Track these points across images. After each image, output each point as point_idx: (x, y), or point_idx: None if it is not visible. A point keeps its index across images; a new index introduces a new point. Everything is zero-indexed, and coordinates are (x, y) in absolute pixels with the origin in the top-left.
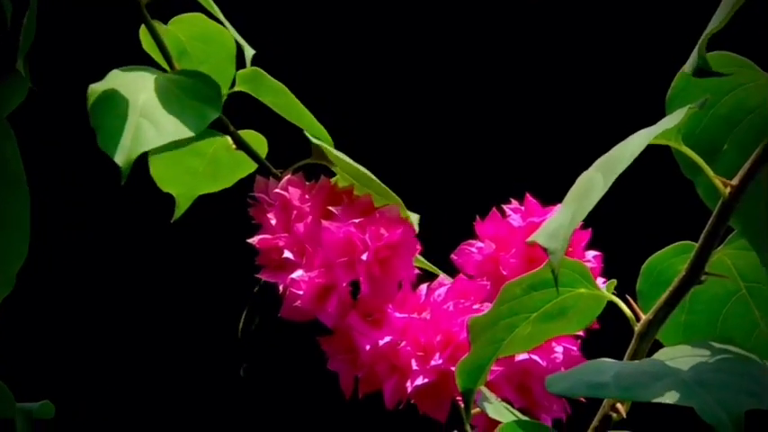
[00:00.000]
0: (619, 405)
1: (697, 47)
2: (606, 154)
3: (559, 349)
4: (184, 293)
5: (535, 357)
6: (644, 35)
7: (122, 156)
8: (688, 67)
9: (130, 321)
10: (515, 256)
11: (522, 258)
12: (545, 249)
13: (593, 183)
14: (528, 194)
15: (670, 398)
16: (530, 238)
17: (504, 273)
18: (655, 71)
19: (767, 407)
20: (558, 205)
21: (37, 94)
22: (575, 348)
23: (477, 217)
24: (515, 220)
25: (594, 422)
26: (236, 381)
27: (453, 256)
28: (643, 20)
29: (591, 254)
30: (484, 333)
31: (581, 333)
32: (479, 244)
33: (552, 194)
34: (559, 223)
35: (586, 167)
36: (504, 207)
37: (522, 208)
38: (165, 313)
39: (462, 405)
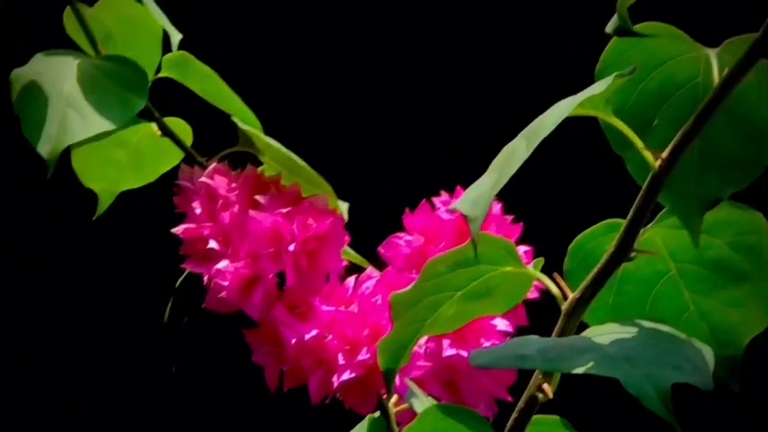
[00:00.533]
0: (545, 386)
1: (618, 5)
2: (529, 125)
3: (488, 345)
4: (109, 287)
5: (463, 353)
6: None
7: (47, 147)
8: (609, 27)
9: (56, 318)
10: (444, 249)
11: None
12: (465, 217)
13: (516, 150)
14: (459, 187)
15: (594, 369)
16: (451, 206)
17: None
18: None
19: (693, 381)
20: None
21: None
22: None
23: (407, 209)
24: (445, 212)
25: (520, 403)
26: (166, 374)
27: (381, 249)
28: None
29: (522, 249)
30: (406, 311)
31: (510, 329)
32: (408, 237)
33: None
34: (481, 190)
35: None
36: (434, 199)
37: (452, 200)
38: (92, 307)
39: (384, 388)
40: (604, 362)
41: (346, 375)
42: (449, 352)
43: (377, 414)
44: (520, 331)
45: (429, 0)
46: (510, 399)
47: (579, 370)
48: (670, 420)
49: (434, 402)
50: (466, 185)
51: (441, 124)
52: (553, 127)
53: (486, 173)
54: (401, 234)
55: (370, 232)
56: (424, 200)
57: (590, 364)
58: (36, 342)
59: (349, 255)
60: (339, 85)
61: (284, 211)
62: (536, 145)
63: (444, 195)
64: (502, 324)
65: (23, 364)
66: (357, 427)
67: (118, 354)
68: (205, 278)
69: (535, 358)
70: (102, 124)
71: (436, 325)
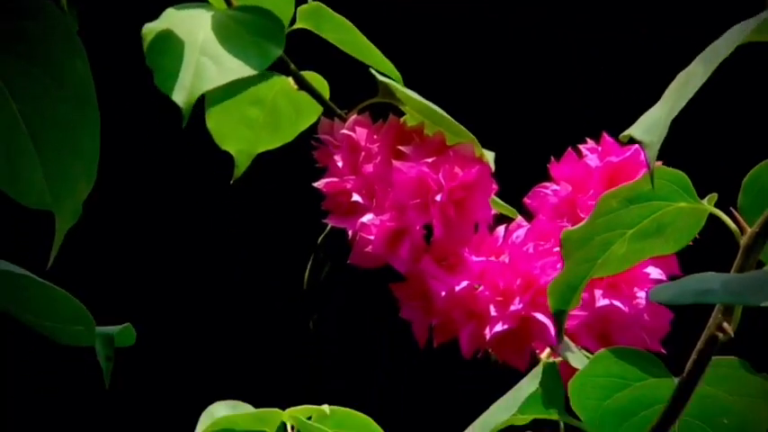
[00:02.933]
0: (725, 324)
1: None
2: (706, 50)
3: (642, 294)
4: (251, 246)
5: (617, 303)
6: None
7: (182, 95)
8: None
9: (198, 273)
10: (593, 197)
11: None
12: (640, 142)
13: (693, 74)
14: (605, 133)
15: None
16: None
17: (582, 216)
18: None
19: None
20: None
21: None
22: None
23: (552, 158)
24: (592, 160)
25: (699, 344)
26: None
27: (526, 200)
28: None
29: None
30: (578, 250)
31: (663, 277)
32: (554, 186)
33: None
34: (657, 116)
35: None
36: (580, 147)
37: (599, 148)
38: (233, 268)
39: (554, 331)
40: None
41: (499, 327)
42: (602, 302)
43: (551, 359)
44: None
45: None
46: (664, 351)
47: (766, 303)
48: None
49: (587, 354)
50: (610, 132)
51: (584, 73)
52: (728, 53)
53: (661, 100)
54: (547, 184)
55: (514, 183)
56: (569, 148)
57: None
58: (178, 292)
59: (497, 204)
60: (481, 36)
61: (429, 160)
62: (712, 70)
63: (590, 143)
64: (655, 272)
65: (174, 305)
66: (529, 375)
67: (263, 313)
68: (349, 233)
69: (718, 292)
70: (238, 70)
71: (607, 265)
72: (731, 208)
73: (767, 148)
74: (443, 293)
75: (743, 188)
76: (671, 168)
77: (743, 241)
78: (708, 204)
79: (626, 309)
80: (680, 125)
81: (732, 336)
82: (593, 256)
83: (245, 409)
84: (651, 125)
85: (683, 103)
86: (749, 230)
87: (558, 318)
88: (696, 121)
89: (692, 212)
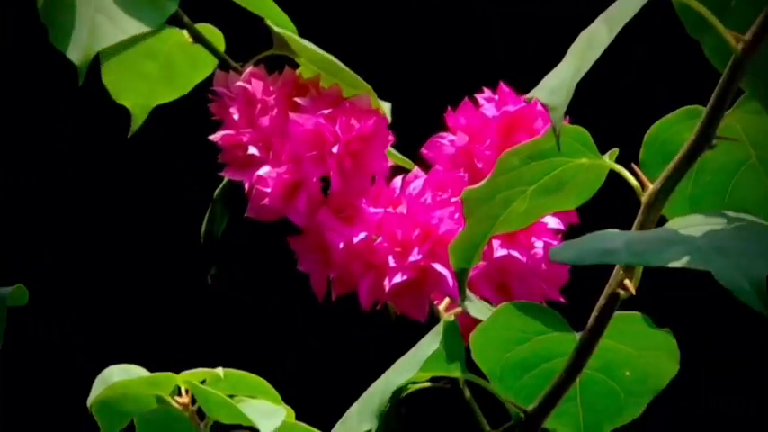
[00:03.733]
0: (627, 281)
1: None
2: (608, 9)
3: (540, 244)
4: (147, 200)
5: (514, 253)
6: None
7: (78, 52)
8: None
9: (95, 231)
10: (490, 147)
11: (498, 150)
12: (545, 105)
13: (597, 35)
14: (502, 83)
15: (685, 262)
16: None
17: (479, 166)
18: None
19: None
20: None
21: None
22: (555, 243)
23: (449, 108)
24: (489, 109)
25: (601, 300)
26: (205, 288)
27: (423, 150)
28: None
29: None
30: (479, 208)
31: (561, 227)
32: (451, 136)
33: (528, 84)
34: (561, 78)
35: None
36: (477, 97)
37: (496, 97)
38: (130, 222)
39: (453, 284)
40: (695, 254)
41: (398, 278)
42: (500, 252)
43: (452, 318)
44: (570, 230)
45: None
46: (563, 300)
47: (669, 263)
48: (764, 311)
49: (486, 305)
50: (509, 82)
51: (479, 21)
52: (637, 9)
53: (564, 60)
54: (444, 134)
55: (411, 134)
56: (466, 97)
57: (680, 257)
58: (72, 255)
59: (394, 156)
60: None
61: (326, 112)
62: (618, 30)
63: (487, 92)
64: (553, 222)
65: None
66: (430, 333)
67: (156, 268)
68: (246, 186)
69: (621, 252)
70: (133, 27)
71: (508, 222)
72: (632, 164)
73: (670, 103)
74: (341, 245)
75: (644, 144)
76: (572, 125)
77: (644, 197)
78: (609, 160)
79: (524, 259)
80: (581, 80)
81: (633, 293)
82: (494, 214)
83: (138, 373)
84: (556, 87)
85: (588, 67)
86: (650, 186)
87: (461, 276)
88: (597, 76)
89: (593, 168)
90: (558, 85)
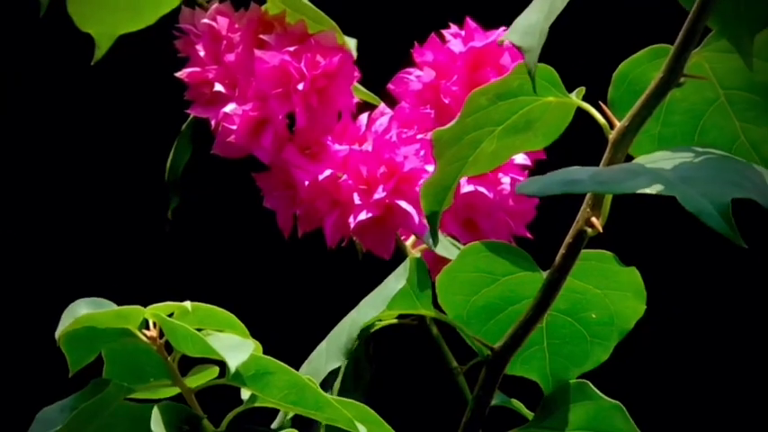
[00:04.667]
0: (594, 219)
1: None
2: None
3: (506, 180)
4: (112, 136)
5: (481, 189)
6: None
7: None
8: None
9: (63, 167)
10: (457, 83)
11: (465, 86)
12: (519, 48)
13: None
14: (468, 18)
15: (649, 190)
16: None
17: (446, 101)
18: None
19: (753, 197)
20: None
21: None
22: (522, 179)
23: (416, 43)
24: (456, 45)
25: (567, 238)
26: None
27: (390, 86)
28: None
29: None
30: (448, 150)
31: (528, 162)
32: (418, 72)
33: (495, 19)
34: (534, 19)
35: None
36: (444, 32)
37: (463, 33)
38: (97, 160)
39: (428, 228)
40: (660, 182)
41: (363, 215)
42: (467, 188)
43: (418, 254)
44: (538, 165)
45: None
46: (530, 236)
47: (633, 191)
48: (730, 235)
49: (453, 242)
50: (475, 17)
51: None
52: None
53: (535, 2)
54: (411, 69)
55: (377, 70)
56: (432, 33)
57: (645, 185)
58: (39, 189)
59: (360, 92)
60: None
61: (291, 49)
62: None
63: (453, 28)
64: (520, 157)
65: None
66: (397, 271)
67: (124, 204)
68: (212, 123)
69: (586, 182)
70: None
71: (478, 163)
72: (600, 102)
73: (638, 41)
74: (307, 182)
75: (613, 82)
76: (539, 63)
77: (612, 135)
78: (576, 98)
79: (490, 194)
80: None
81: (600, 231)
82: (463, 155)
83: (107, 306)
84: (528, 30)
85: (561, 7)
86: (618, 125)
87: (432, 219)
88: (565, 14)
89: (560, 107)
90: (529, 26)
